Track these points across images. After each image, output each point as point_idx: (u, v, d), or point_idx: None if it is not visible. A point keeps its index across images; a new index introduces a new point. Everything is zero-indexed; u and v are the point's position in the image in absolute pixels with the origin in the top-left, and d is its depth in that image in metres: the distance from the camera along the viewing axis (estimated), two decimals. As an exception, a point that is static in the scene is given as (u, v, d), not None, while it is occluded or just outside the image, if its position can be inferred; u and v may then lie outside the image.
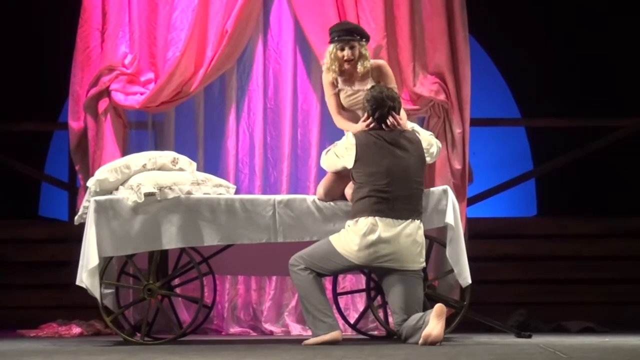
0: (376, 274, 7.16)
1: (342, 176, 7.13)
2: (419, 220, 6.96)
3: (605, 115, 9.98)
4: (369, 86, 7.30)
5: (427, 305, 7.07)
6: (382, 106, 7.01)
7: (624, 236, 9.46)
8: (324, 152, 7.24)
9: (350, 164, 6.99)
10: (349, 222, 6.94)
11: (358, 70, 7.33)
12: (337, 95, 7.40)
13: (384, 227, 6.86)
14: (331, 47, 7.36)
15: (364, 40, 7.38)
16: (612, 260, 9.40)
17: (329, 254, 6.93)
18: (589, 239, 9.46)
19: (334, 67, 7.34)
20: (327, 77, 7.41)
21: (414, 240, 6.91)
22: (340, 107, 7.41)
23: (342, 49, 7.33)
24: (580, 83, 10.58)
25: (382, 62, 7.51)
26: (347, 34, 7.34)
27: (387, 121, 7.02)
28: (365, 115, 7.07)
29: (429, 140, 7.15)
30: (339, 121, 7.41)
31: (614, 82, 10.49)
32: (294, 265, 6.97)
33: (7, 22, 10.37)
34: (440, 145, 7.28)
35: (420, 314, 6.78)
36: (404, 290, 6.90)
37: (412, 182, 6.99)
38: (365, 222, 6.87)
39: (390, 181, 6.92)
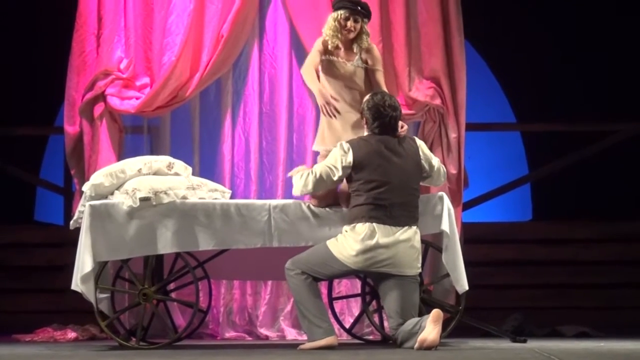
0: (372, 278, 7.16)
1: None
2: (416, 226, 6.97)
3: (601, 119, 9.99)
4: (354, 62, 7.32)
5: (423, 310, 7.08)
6: (383, 116, 7.00)
7: (620, 240, 9.47)
8: (296, 179, 7.09)
9: (343, 176, 6.98)
10: (346, 227, 6.94)
11: (354, 46, 7.35)
12: (319, 59, 7.37)
13: (382, 233, 6.86)
14: (336, 13, 7.35)
15: (366, 18, 7.39)
16: (609, 265, 9.41)
17: (326, 259, 6.93)
18: (585, 244, 9.47)
19: (337, 34, 7.31)
20: (320, 44, 7.37)
21: (411, 246, 6.92)
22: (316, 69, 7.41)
23: (347, 19, 7.34)
24: (576, 87, 10.59)
25: (373, 45, 7.49)
26: (355, 5, 7.35)
27: (395, 133, 7.02)
28: (364, 120, 7.07)
29: (431, 155, 7.13)
30: (308, 73, 7.27)
31: (609, 86, 10.51)
32: (291, 270, 6.97)
33: (3, 24, 10.39)
34: (445, 171, 7.24)
35: (417, 319, 6.79)
36: (401, 295, 6.91)
37: (409, 189, 6.99)
38: (363, 227, 6.87)
39: (388, 189, 6.92)
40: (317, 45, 7.39)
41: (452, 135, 8.38)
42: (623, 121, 9.78)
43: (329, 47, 7.36)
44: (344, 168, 6.95)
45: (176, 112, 8.57)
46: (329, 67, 7.37)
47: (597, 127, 9.90)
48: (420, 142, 7.15)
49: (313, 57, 7.35)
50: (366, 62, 7.38)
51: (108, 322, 7.28)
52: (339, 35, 7.34)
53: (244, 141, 8.60)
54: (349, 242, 6.88)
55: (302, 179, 7.02)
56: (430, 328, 6.57)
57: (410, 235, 6.91)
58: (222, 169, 8.55)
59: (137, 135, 8.63)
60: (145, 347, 7.21)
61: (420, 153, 7.07)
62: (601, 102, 10.45)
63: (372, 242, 6.84)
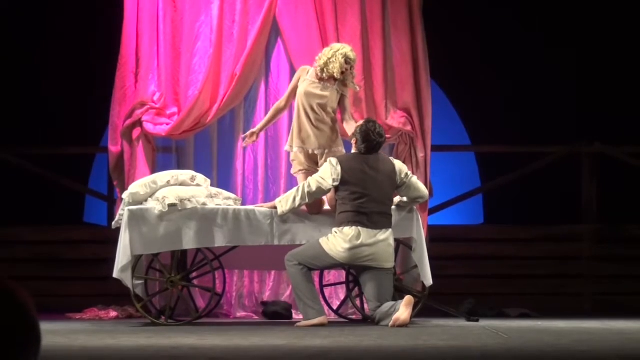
0: (355, 270, 7.14)
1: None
2: (391, 229, 6.96)
3: (539, 143, 10.00)
4: (328, 92, 7.29)
5: (395, 295, 7.05)
6: (370, 141, 6.99)
7: (553, 240, 9.46)
8: (288, 194, 7.09)
9: (334, 184, 6.96)
10: (336, 229, 6.91)
11: (338, 85, 7.40)
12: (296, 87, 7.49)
13: (366, 235, 6.85)
14: (342, 57, 7.34)
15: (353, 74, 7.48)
16: (544, 260, 9.39)
17: (319, 254, 6.91)
18: (525, 243, 9.45)
19: (341, 69, 7.34)
20: (304, 72, 7.45)
21: (388, 244, 6.92)
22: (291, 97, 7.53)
23: (347, 63, 7.36)
24: (519, 117, 10.62)
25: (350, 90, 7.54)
26: (354, 62, 7.44)
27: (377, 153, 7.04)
28: (354, 140, 7.06)
29: (407, 171, 7.13)
30: (281, 105, 7.56)
31: (545, 116, 10.54)
32: (290, 261, 6.95)
33: (59, 65, 10.40)
34: (424, 188, 7.24)
35: (392, 302, 6.78)
36: (378, 284, 6.89)
37: (385, 200, 6.99)
38: (350, 230, 6.86)
39: (368, 200, 6.91)
40: (301, 73, 7.49)
41: (420, 155, 8.37)
42: (555, 145, 9.78)
43: (324, 75, 7.35)
44: (333, 180, 6.94)
45: (199, 135, 8.54)
46: (307, 85, 7.39)
47: (536, 149, 9.91)
48: (395, 161, 7.15)
49: (291, 88, 7.53)
50: (341, 90, 7.42)
51: (142, 304, 7.26)
52: (339, 69, 7.33)
53: (253, 159, 8.57)
54: (338, 241, 6.86)
55: (299, 191, 6.99)
56: (403, 310, 6.57)
57: (387, 236, 6.91)
58: (235, 181, 8.52)
59: (167, 154, 8.60)
60: (172, 324, 7.19)
61: (396, 169, 7.06)
62: (539, 130, 10.47)
63: (358, 242, 6.83)
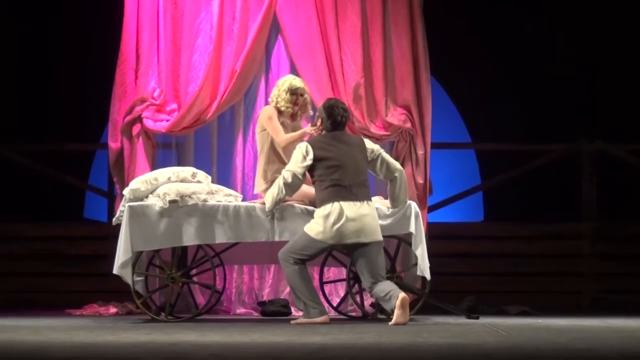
0: (346, 249, 7.08)
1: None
2: (371, 201, 6.97)
3: (539, 141, 10.00)
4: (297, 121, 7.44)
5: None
6: (335, 115, 7.01)
7: (552, 238, 9.46)
8: (267, 193, 7.11)
9: (308, 163, 6.94)
10: (318, 211, 6.91)
11: (298, 116, 7.49)
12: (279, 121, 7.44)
13: (348, 209, 6.84)
14: (285, 93, 7.40)
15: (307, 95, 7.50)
16: (544, 258, 9.39)
17: (307, 243, 6.90)
18: (526, 240, 9.45)
19: (286, 101, 7.39)
20: (273, 111, 7.44)
21: (372, 217, 6.92)
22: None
23: (294, 93, 7.42)
24: (520, 114, 10.61)
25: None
26: (302, 89, 7.47)
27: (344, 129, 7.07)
28: (319, 121, 7.06)
29: (375, 146, 7.14)
30: (285, 137, 7.34)
31: (546, 114, 10.54)
32: (286, 260, 6.95)
33: (59, 63, 10.40)
34: (401, 167, 7.26)
35: (387, 289, 6.75)
36: (368, 259, 6.88)
37: (361, 172, 6.99)
38: (332, 207, 6.85)
39: (344, 171, 6.91)
40: (271, 113, 7.41)
41: (420, 152, 8.37)
42: (556, 142, 9.78)
43: (282, 113, 7.43)
44: (306, 160, 6.94)
45: (199, 132, 8.55)
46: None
47: (536, 146, 9.90)
48: (366, 140, 7.16)
49: (279, 127, 7.37)
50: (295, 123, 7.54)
51: (142, 300, 7.27)
52: (287, 103, 7.40)
53: (253, 155, 8.57)
54: (321, 222, 6.85)
55: (275, 186, 7.01)
56: (400, 312, 6.61)
57: (370, 209, 6.93)
58: (235, 178, 8.52)
59: (167, 150, 8.61)
60: (172, 320, 7.20)
61: (366, 144, 7.08)
62: (539, 127, 10.47)
63: (343, 219, 6.82)
